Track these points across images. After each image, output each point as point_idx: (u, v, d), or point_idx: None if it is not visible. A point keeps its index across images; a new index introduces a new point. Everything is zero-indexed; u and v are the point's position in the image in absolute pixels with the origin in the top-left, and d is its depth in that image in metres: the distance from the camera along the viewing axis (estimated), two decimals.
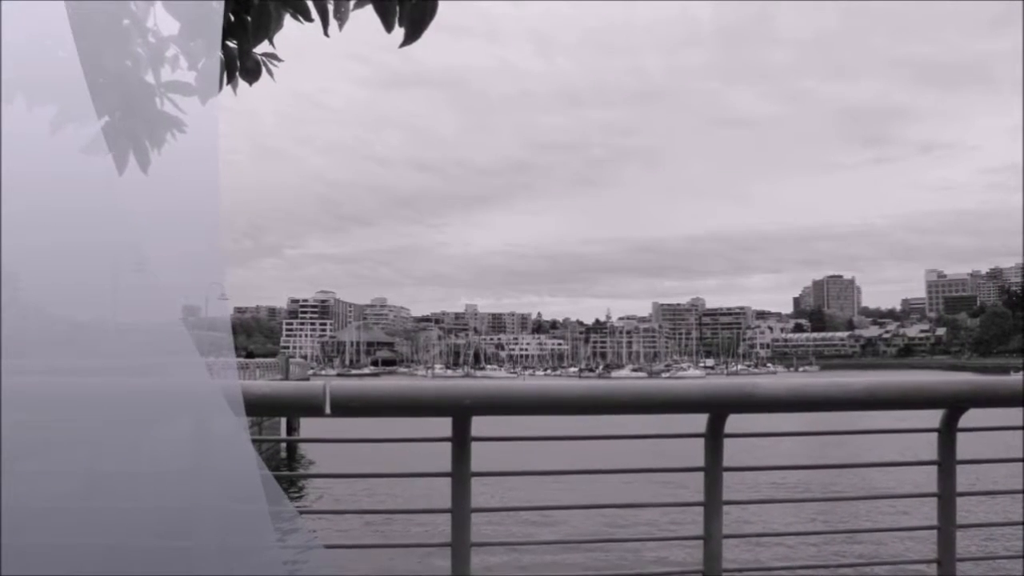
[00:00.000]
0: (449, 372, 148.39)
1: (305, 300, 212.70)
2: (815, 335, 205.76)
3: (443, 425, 2.64)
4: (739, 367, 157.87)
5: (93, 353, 2.28)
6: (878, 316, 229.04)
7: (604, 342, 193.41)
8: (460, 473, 2.62)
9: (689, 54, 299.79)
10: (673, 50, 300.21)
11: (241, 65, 2.36)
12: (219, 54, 2.26)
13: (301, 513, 2.41)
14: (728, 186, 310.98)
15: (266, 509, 2.15)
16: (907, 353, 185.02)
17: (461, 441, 2.63)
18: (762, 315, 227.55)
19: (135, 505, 2.21)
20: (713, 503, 2.78)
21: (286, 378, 40.40)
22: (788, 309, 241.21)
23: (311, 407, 2.46)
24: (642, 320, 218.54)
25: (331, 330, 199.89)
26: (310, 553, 2.49)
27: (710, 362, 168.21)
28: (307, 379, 45.44)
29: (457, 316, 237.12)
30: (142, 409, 2.25)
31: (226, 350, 2.30)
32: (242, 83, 2.41)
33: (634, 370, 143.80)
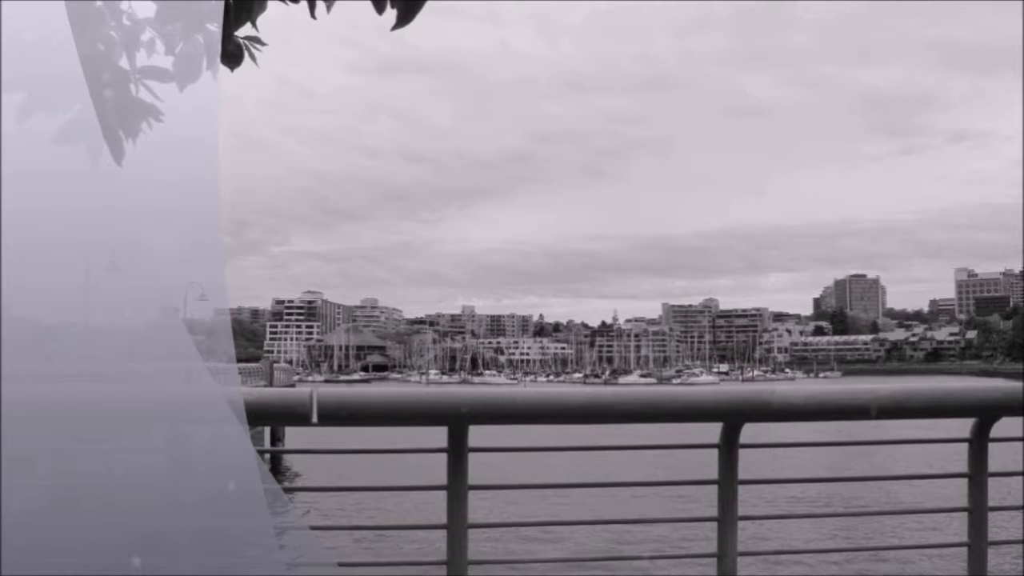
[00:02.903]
0: (445, 378, 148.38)
1: (290, 301, 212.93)
2: (837, 338, 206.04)
3: (438, 435, 2.64)
4: (755, 373, 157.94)
5: (62, 358, 2.28)
6: (904, 318, 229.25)
7: (611, 346, 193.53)
8: (456, 486, 2.63)
9: (702, 38, 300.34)
10: (684, 33, 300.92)
11: (222, 49, 2.36)
12: (198, 38, 2.26)
13: (286, 529, 2.41)
14: (743, 179, 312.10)
15: (268, 520, 2.16)
16: (935, 358, 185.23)
17: (457, 452, 2.63)
18: (780, 317, 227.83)
19: (108, 522, 2.21)
20: (727, 518, 2.78)
21: (270, 384, 40.42)
22: (808, 310, 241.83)
23: (297, 415, 2.46)
24: (651, 322, 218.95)
25: (318, 333, 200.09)
26: (296, 571, 2.49)
27: (724, 367, 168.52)
28: (292, 386, 45.52)
29: (453, 318, 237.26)
30: (118, 418, 2.26)
31: (208, 354, 2.30)
32: (223, 69, 2.41)
33: (643, 376, 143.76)
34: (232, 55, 2.41)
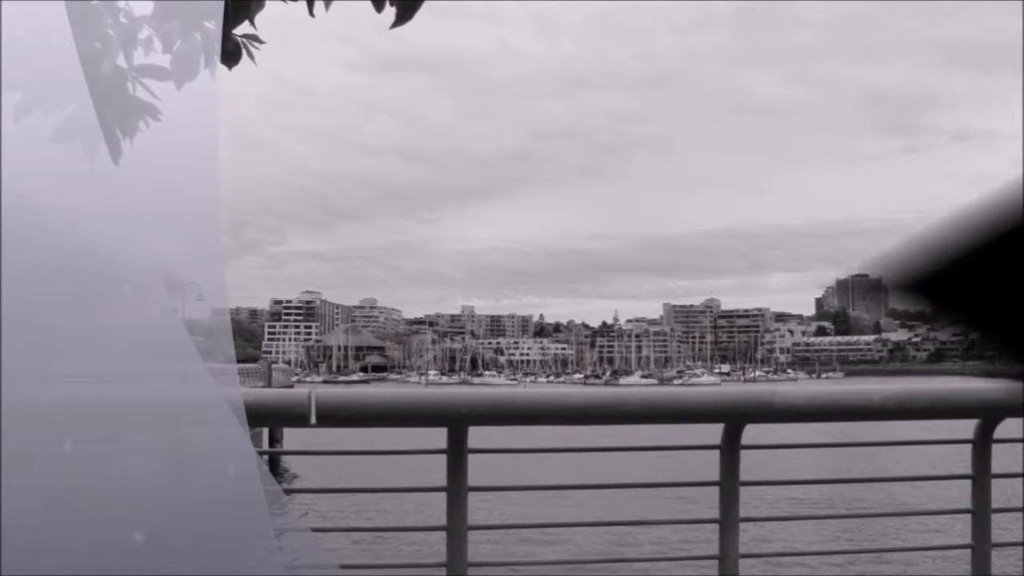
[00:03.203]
0: (444, 379, 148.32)
1: (289, 301, 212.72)
2: (839, 339, 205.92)
3: (438, 436, 2.65)
4: (757, 373, 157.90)
5: (61, 358, 2.29)
6: (907, 319, 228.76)
7: (611, 346, 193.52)
8: (456, 488, 2.63)
9: (703, 35, 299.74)
10: (686, 31, 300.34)
11: (220, 47, 2.37)
12: (196, 36, 2.27)
13: (284, 532, 2.42)
14: (745, 178, 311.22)
15: (267, 521, 2.16)
16: (939, 358, 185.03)
17: (457, 453, 2.63)
18: (782, 317, 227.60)
19: (107, 523, 2.21)
20: (729, 520, 2.79)
21: (268, 385, 40.41)
22: (810, 311, 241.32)
23: (295, 416, 2.47)
24: (652, 323, 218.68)
25: (317, 333, 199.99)
26: (296, 572, 2.49)
27: (726, 368, 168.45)
28: (291, 386, 45.52)
29: (453, 318, 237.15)
30: (117, 419, 2.26)
31: (207, 355, 2.30)
32: (221, 67, 2.41)
33: (644, 376, 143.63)
34: (230, 53, 2.42)
